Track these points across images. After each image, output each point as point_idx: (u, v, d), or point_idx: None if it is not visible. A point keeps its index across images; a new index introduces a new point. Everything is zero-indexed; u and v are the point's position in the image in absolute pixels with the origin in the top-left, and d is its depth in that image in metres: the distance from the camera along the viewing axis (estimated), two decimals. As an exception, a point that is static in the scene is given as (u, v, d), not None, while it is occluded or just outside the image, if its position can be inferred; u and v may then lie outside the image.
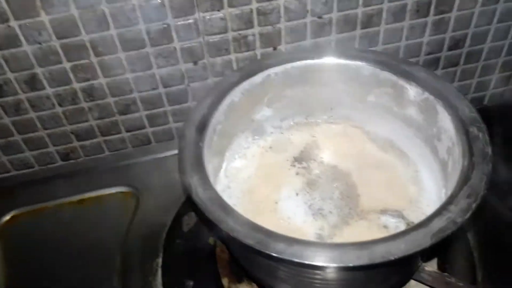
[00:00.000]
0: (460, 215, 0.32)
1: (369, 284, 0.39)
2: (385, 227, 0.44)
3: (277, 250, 0.31)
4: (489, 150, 0.37)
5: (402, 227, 0.43)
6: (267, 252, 0.31)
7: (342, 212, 0.45)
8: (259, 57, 0.67)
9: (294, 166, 0.50)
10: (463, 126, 0.40)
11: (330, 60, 0.49)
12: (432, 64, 0.75)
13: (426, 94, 0.44)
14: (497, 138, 0.76)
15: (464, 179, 0.35)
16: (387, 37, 0.70)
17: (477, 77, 0.80)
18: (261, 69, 0.48)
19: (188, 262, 0.51)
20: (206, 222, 0.33)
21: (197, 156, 0.39)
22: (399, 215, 0.44)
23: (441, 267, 0.47)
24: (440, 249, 0.48)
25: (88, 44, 0.61)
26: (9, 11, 0.56)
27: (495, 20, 0.72)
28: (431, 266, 0.47)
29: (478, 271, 0.48)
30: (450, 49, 0.74)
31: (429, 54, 0.74)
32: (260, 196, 0.47)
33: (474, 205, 0.33)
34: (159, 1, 0.59)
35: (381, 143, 0.52)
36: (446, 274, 0.42)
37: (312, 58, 0.48)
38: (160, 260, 0.54)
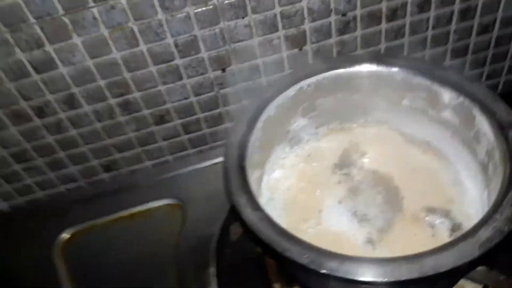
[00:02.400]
0: (506, 223, 0.33)
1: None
2: (432, 227, 0.45)
3: (331, 268, 0.33)
4: (530, 156, 0.37)
5: (448, 227, 0.44)
6: (321, 271, 0.33)
7: (387, 216, 0.46)
8: (286, 60, 0.68)
9: (335, 173, 0.51)
10: (501, 130, 0.40)
11: (361, 68, 0.49)
12: (461, 51, 0.75)
13: (461, 98, 0.44)
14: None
15: (507, 186, 0.36)
16: (413, 29, 0.69)
17: (509, 59, 0.78)
18: (293, 82, 0.49)
19: (239, 270, 0.53)
20: (257, 242, 0.35)
21: (242, 175, 0.40)
22: (445, 214, 0.45)
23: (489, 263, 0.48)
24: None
25: (120, 61, 0.63)
26: (44, 37, 0.59)
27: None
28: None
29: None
30: (478, 34, 0.73)
31: (457, 41, 0.73)
32: (303, 206, 0.48)
33: (519, 213, 0.33)
34: (185, 14, 0.60)
35: (419, 145, 0.52)
36: (495, 271, 0.43)
37: (343, 68, 0.49)
38: (214, 270, 0.55)
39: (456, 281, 0.44)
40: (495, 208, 0.34)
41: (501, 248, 0.31)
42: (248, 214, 0.37)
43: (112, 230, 0.65)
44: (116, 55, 0.63)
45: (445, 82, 0.45)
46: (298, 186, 0.50)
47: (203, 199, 0.64)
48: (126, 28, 0.60)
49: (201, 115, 0.73)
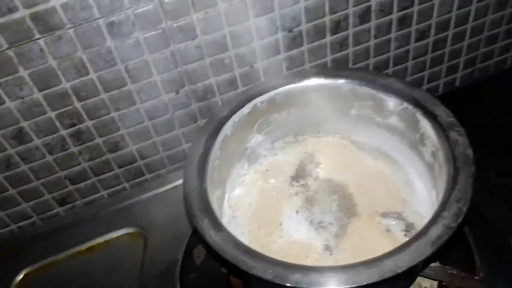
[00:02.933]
0: (454, 220, 0.35)
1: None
2: (386, 228, 0.47)
3: (295, 281, 0.33)
4: (470, 152, 0.40)
5: (402, 227, 0.46)
6: (287, 284, 0.33)
7: (342, 222, 0.47)
8: (238, 78, 0.69)
9: (292, 185, 0.52)
10: (443, 132, 0.42)
11: (310, 82, 0.51)
12: (402, 58, 0.79)
13: (405, 104, 0.47)
14: (472, 116, 0.81)
15: (452, 184, 0.38)
16: (356, 40, 0.72)
17: (446, 62, 0.83)
18: (247, 100, 0.50)
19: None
20: (222, 262, 0.35)
21: (203, 197, 0.40)
22: (398, 216, 0.47)
23: (441, 260, 0.50)
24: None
25: (70, 91, 0.62)
26: (-12, 72, 0.57)
27: (455, 7, 0.75)
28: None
29: (476, 258, 0.51)
30: (417, 40, 0.77)
31: (397, 48, 0.77)
32: (265, 221, 0.49)
33: (464, 209, 0.36)
34: (134, 39, 0.61)
35: (370, 151, 0.54)
36: (448, 266, 0.45)
37: (293, 84, 0.50)
38: None
39: (413, 280, 0.46)
40: (443, 206, 0.36)
41: (451, 244, 0.33)
42: (211, 236, 0.37)
43: (71, 266, 0.63)
44: (66, 85, 0.62)
45: (388, 89, 0.48)
46: (259, 201, 0.51)
47: (163, 224, 0.64)
48: (75, 57, 0.60)
49: (157, 139, 0.73)
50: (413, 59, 0.80)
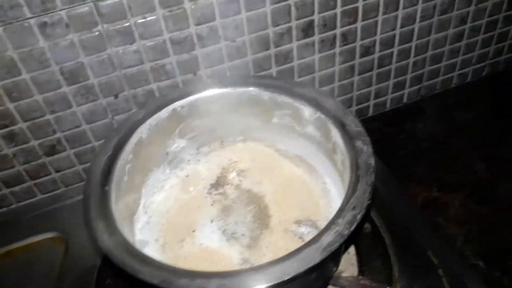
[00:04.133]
0: (347, 227, 0.35)
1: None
2: (300, 237, 0.46)
3: (181, 285, 0.33)
4: (372, 161, 0.40)
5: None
6: (171, 289, 0.33)
7: (254, 234, 0.47)
8: (180, 84, 0.69)
9: (210, 193, 0.52)
10: (350, 141, 0.43)
11: (231, 89, 0.51)
12: (348, 72, 0.80)
13: (318, 113, 0.47)
14: (418, 132, 0.82)
15: (351, 192, 0.38)
16: (300, 52, 0.73)
17: (393, 78, 0.85)
18: (165, 104, 0.49)
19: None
20: (113, 266, 0.34)
21: (103, 201, 0.40)
22: (312, 224, 0.47)
23: (361, 269, 0.50)
24: (356, 251, 0.51)
25: (1, 91, 0.61)
26: None
27: (398, 25, 0.77)
28: (352, 270, 0.50)
29: (395, 270, 0.51)
30: (362, 56, 0.78)
31: (343, 63, 0.78)
32: (179, 227, 0.48)
33: (359, 216, 0.35)
34: (69, 41, 0.60)
35: (292, 160, 0.54)
36: (361, 277, 0.45)
37: (215, 88, 0.50)
38: None
39: (324, 287, 0.46)
40: (339, 213, 0.36)
41: (342, 250, 0.33)
42: (104, 240, 0.36)
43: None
44: (-4, 85, 0.60)
45: (304, 98, 0.48)
46: (176, 207, 0.50)
47: (85, 230, 0.62)
48: (5, 56, 0.58)
49: (96, 143, 0.72)
50: (359, 74, 0.81)
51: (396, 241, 0.53)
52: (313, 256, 0.33)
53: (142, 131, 0.47)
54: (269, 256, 0.44)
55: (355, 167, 0.40)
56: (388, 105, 0.89)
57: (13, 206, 0.73)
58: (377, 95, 0.86)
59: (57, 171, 0.72)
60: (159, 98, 0.51)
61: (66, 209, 0.67)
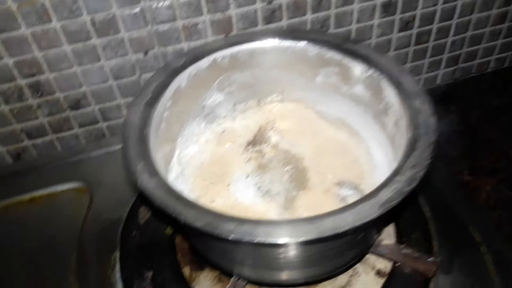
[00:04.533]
0: (407, 185, 0.33)
1: (325, 259, 0.39)
2: (341, 199, 0.44)
3: (227, 230, 0.31)
4: (433, 121, 0.38)
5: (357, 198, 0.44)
6: (217, 233, 0.31)
7: (290, 194, 0.45)
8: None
9: (247, 150, 0.50)
10: (407, 100, 0.40)
11: (275, 42, 0.48)
12: (384, 47, 0.77)
13: (371, 71, 0.44)
14: (450, 114, 0.80)
15: (409, 150, 0.36)
16: (338, 21, 0.70)
17: (429, 57, 0.82)
18: (207, 54, 0.47)
19: (146, 253, 0.50)
20: (155, 209, 0.32)
21: (142, 143, 0.37)
22: (354, 187, 0.45)
23: (399, 240, 0.48)
24: (396, 221, 0.49)
25: (30, 38, 0.59)
26: None
27: (441, 1, 0.74)
28: (390, 239, 0.48)
29: (434, 242, 0.49)
30: (400, 30, 0.75)
31: (380, 36, 0.75)
32: (213, 181, 0.46)
33: (419, 175, 0.33)
34: (102, -10, 0.57)
35: (333, 122, 0.52)
36: (402, 246, 0.43)
37: (258, 41, 0.48)
38: (117, 254, 0.52)
39: (364, 253, 0.44)
40: (397, 170, 0.34)
41: (401, 209, 0.31)
42: (144, 180, 0.34)
43: (10, 215, 0.59)
44: (26, 31, 0.58)
45: (355, 55, 0.45)
46: (210, 161, 0.48)
47: (113, 182, 0.61)
48: (36, 2, 0.56)
49: (122, 101, 0.70)
50: (395, 49, 0.78)
51: (436, 214, 0.51)
52: (370, 211, 0.31)
53: (181, 79, 0.45)
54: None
55: (413, 126, 0.37)
56: (421, 84, 0.85)
57: (35, 157, 0.71)
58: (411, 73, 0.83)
59: (81, 126, 0.71)
60: (200, 47, 0.48)
61: (91, 161, 0.65)
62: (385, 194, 0.32)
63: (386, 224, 0.45)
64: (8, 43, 0.58)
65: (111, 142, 0.70)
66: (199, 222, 0.31)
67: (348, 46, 0.46)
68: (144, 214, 0.53)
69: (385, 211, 0.31)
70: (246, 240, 0.30)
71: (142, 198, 0.43)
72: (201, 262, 0.48)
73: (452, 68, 0.85)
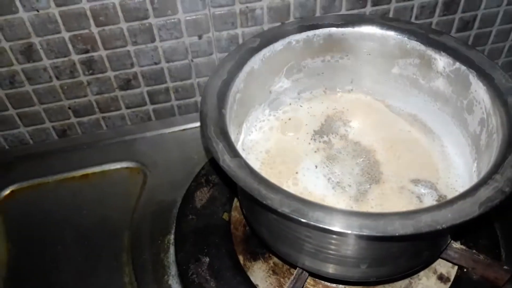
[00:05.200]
0: (508, 184, 0.31)
1: (399, 259, 0.37)
2: (417, 196, 0.42)
3: (316, 219, 0.29)
4: (529, 120, 0.35)
5: (434, 198, 0.42)
6: (305, 220, 0.29)
7: (362, 187, 0.43)
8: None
9: (314, 140, 0.48)
10: (499, 96, 0.38)
11: (354, 29, 0.47)
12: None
13: (458, 64, 0.42)
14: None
15: (507, 148, 0.33)
16: (396, 15, 0.68)
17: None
18: (282, 36, 0.45)
19: (202, 238, 0.48)
20: (234, 190, 0.31)
21: (221, 122, 0.36)
22: (430, 186, 0.43)
23: (466, 245, 0.46)
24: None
25: (88, 13, 0.58)
26: (4, -26, 0.52)
27: (505, 2, 0.71)
28: (455, 244, 0.46)
29: (502, 249, 0.47)
30: (458, 31, 0.73)
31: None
32: (280, 169, 0.44)
33: (521, 175, 0.31)
34: (165, -31, 0.56)
35: (405, 117, 0.50)
36: (474, 251, 0.41)
37: (333, 27, 0.46)
38: (171, 237, 0.51)
39: (436, 256, 0.42)
40: (495, 168, 0.32)
41: (502, 208, 0.29)
42: (226, 160, 0.33)
43: (61, 190, 0.58)
44: (85, 5, 0.57)
45: (441, 47, 0.43)
46: (275, 149, 0.47)
47: (167, 164, 0.60)
48: (98, -24, 0.55)
49: (170, 85, 0.69)
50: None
51: (504, 220, 0.48)
52: (470, 210, 0.29)
53: (255, 61, 0.44)
54: (379, 210, 0.40)
55: (509, 123, 0.35)
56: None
57: (80, 134, 0.70)
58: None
59: (128, 108, 0.70)
60: (274, 28, 0.47)
61: (144, 142, 0.64)
62: (485, 193, 0.30)
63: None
64: (66, 16, 0.58)
65: (158, 125, 0.69)
66: (286, 208, 0.29)
67: (433, 37, 0.44)
68: (201, 197, 0.52)
69: (486, 210, 0.29)
70: (340, 231, 0.28)
71: (222, 177, 0.40)
72: (255, 252, 0.47)
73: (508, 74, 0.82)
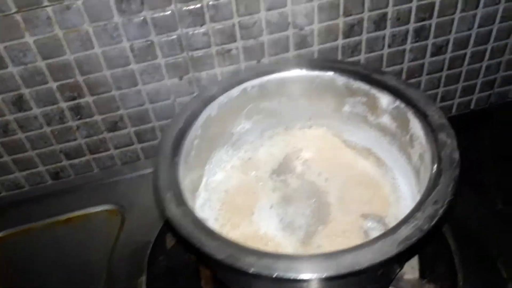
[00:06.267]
0: (427, 221, 0.33)
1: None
2: (365, 232, 0.44)
3: (247, 263, 0.31)
4: (457, 155, 0.37)
5: (381, 231, 0.43)
6: (237, 266, 0.31)
7: (310, 229, 0.45)
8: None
9: (272, 179, 0.50)
10: (432, 133, 0.40)
11: (304, 72, 0.49)
12: (416, 71, 0.76)
13: (398, 102, 0.44)
14: (484, 141, 0.77)
15: (432, 186, 0.35)
16: (370, 46, 0.70)
17: (462, 81, 0.80)
18: (237, 83, 0.49)
19: (172, 279, 0.51)
20: (180, 239, 0.34)
21: (172, 171, 0.39)
22: (378, 220, 0.44)
23: (422, 274, 0.47)
24: (418, 255, 0.48)
25: (73, 63, 0.62)
26: (-6, 34, 0.57)
27: (476, 25, 0.73)
28: (413, 273, 0.47)
29: (459, 278, 0.48)
30: (432, 55, 0.75)
31: (412, 61, 0.75)
32: (238, 209, 0.47)
33: (441, 211, 0.33)
34: (142, 18, 0.60)
35: (360, 151, 0.52)
36: (424, 280, 0.42)
37: (286, 71, 0.49)
38: (144, 278, 0.53)
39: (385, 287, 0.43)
40: (418, 207, 0.34)
41: (421, 247, 0.30)
42: (171, 209, 0.36)
43: (48, 235, 0.62)
44: (70, 57, 0.62)
45: (383, 86, 0.46)
46: (236, 189, 0.49)
47: (144, 205, 0.62)
48: (81, 29, 0.59)
49: (156, 124, 0.72)
50: (428, 74, 0.77)
51: (462, 247, 0.50)
52: (389, 249, 0.31)
53: (212, 108, 0.47)
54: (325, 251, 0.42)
55: (437, 160, 0.37)
56: (454, 110, 0.84)
57: (71, 178, 0.75)
58: (443, 98, 0.82)
59: (116, 148, 0.73)
60: (230, 76, 0.50)
61: (124, 183, 0.68)
62: (405, 231, 0.32)
63: (408, 259, 0.45)
64: (53, 68, 0.62)
65: (145, 164, 0.73)
66: (221, 254, 0.32)
67: (376, 77, 0.46)
68: (171, 239, 0.55)
69: (403, 249, 0.31)
70: (265, 274, 0.30)
71: (168, 226, 0.44)
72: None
73: (487, 93, 0.83)
